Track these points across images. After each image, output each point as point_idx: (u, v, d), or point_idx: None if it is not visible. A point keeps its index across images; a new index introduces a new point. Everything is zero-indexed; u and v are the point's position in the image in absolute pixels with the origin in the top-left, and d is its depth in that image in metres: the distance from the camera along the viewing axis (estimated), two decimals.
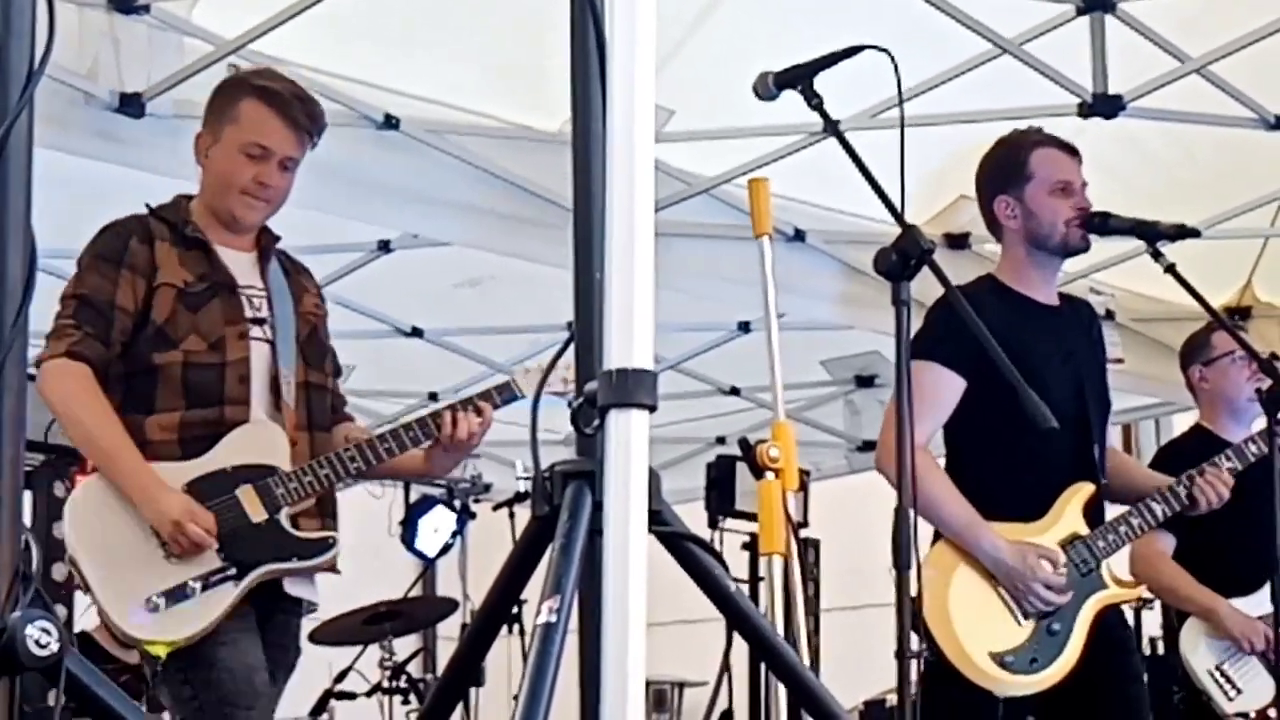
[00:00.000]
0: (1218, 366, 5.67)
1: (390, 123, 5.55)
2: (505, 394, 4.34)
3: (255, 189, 4.10)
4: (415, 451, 4.18)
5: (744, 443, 3.57)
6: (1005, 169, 4.54)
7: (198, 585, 3.84)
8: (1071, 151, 4.55)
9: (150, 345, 3.98)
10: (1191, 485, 4.56)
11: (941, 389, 4.27)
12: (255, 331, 4.07)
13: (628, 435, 1.99)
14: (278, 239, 4.28)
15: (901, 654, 3.38)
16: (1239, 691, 5.31)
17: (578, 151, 2.25)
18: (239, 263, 4.13)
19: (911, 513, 3.38)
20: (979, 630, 4.26)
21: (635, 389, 1.98)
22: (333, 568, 4.13)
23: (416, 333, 7.85)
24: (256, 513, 3.96)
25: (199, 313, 4.01)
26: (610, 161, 2.04)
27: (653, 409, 2.00)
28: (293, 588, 4.09)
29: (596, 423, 2.01)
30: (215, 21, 5.17)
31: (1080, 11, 5.42)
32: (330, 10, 4.99)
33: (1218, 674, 5.34)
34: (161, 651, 3.77)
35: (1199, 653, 5.39)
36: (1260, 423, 4.75)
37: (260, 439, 4.01)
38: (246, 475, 3.96)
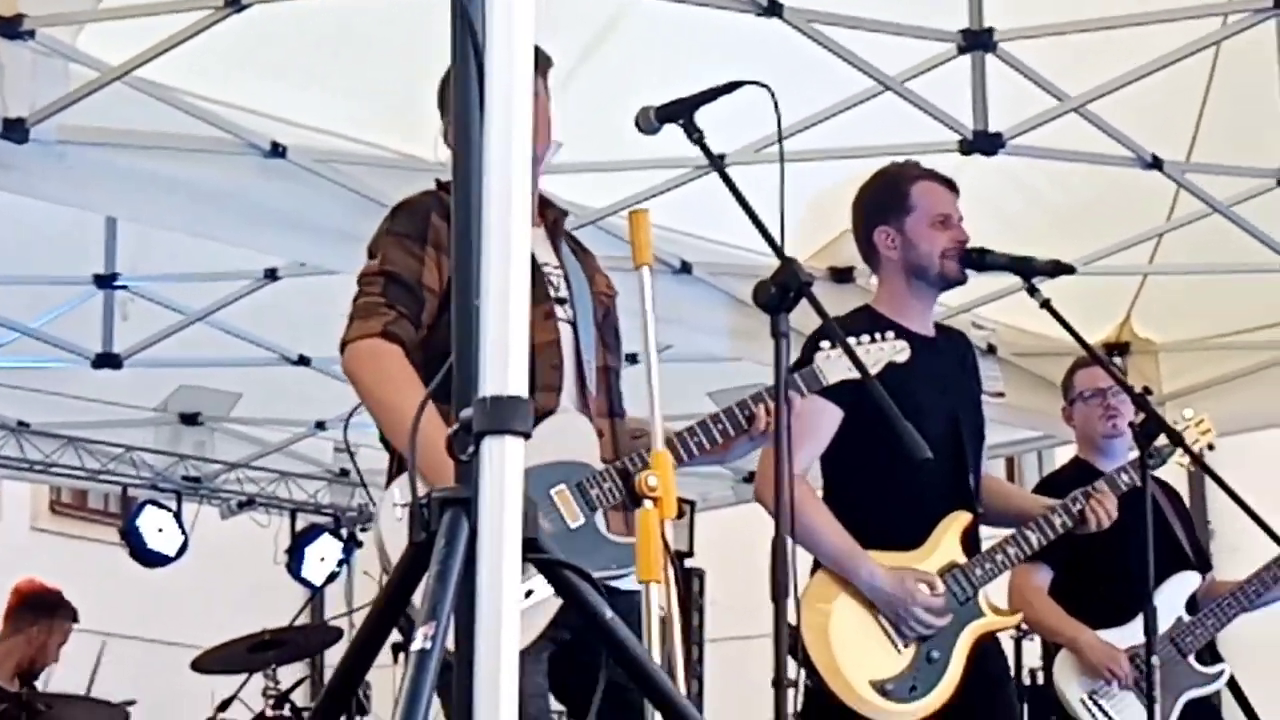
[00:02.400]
0: (1077, 406, 5.78)
1: (277, 151, 5.54)
2: (811, 382, 3.98)
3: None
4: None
5: (623, 470, 3.60)
6: (886, 200, 4.58)
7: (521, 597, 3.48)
8: (950, 186, 4.60)
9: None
10: (1084, 503, 4.61)
11: (818, 419, 4.31)
12: (559, 312, 3.76)
13: (502, 462, 2.00)
14: (565, 213, 3.97)
15: (779, 683, 3.40)
16: (1110, 719, 5.39)
17: (457, 181, 2.26)
18: (533, 238, 3.74)
19: (789, 542, 3.41)
20: (859, 658, 4.29)
21: (510, 416, 2.00)
22: None
23: (304, 361, 7.81)
24: (572, 516, 3.64)
25: None
26: (486, 190, 2.06)
27: (527, 436, 2.02)
28: (628, 584, 3.65)
29: (471, 449, 2.03)
30: (101, 48, 5.15)
31: (961, 50, 5.49)
32: (216, 39, 4.98)
33: (1090, 703, 5.41)
34: None
35: (1072, 682, 5.46)
36: (1133, 455, 4.84)
37: (570, 432, 3.70)
38: (561, 473, 3.65)
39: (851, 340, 3.98)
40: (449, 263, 3.54)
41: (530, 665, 3.54)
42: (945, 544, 4.42)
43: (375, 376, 3.66)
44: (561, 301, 3.77)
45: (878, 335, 4.06)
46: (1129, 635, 5.30)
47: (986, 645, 4.46)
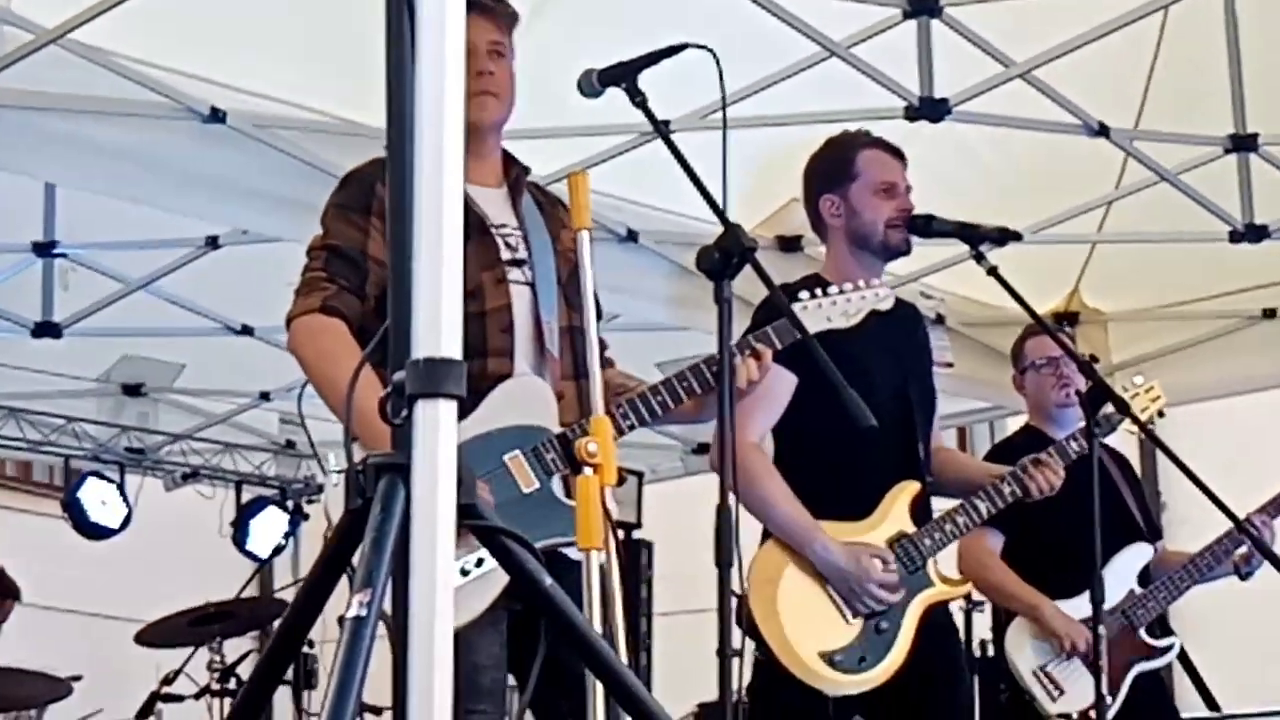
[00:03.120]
0: (1029, 374, 5.78)
1: (217, 116, 5.47)
2: (784, 335, 3.89)
3: (478, 83, 3.70)
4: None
5: (562, 437, 3.56)
6: (832, 168, 4.58)
7: (472, 565, 3.37)
8: (898, 155, 4.59)
9: None
10: (1024, 474, 4.59)
11: (774, 385, 4.27)
12: (514, 274, 3.72)
13: (436, 425, 1.97)
14: (528, 170, 3.91)
15: (723, 652, 3.37)
16: (1062, 692, 5.38)
17: (391, 143, 2.22)
18: (489, 199, 3.77)
19: (733, 509, 3.38)
20: (808, 629, 4.28)
21: (443, 378, 1.97)
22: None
23: (247, 330, 7.75)
24: (527, 482, 3.59)
25: None
26: (418, 152, 2.03)
27: (460, 399, 1.98)
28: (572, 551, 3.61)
29: (405, 413, 1.99)
30: (36, 10, 5.07)
31: (907, 15, 5.48)
32: (153, 1, 4.91)
33: (1042, 675, 5.40)
34: None
35: (1024, 653, 5.45)
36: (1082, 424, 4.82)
37: (526, 396, 3.64)
38: (514, 438, 3.60)
39: (833, 289, 3.97)
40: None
41: (486, 636, 3.53)
42: (894, 513, 4.41)
43: (315, 351, 3.66)
44: (519, 263, 3.73)
45: (860, 283, 4.03)
46: (1081, 606, 5.30)
47: (935, 615, 4.46)
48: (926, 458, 4.56)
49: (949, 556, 4.69)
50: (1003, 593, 5.55)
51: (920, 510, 4.48)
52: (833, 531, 4.33)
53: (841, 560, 4.28)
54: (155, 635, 7.72)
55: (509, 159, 3.90)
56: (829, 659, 4.26)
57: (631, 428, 3.71)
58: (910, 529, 4.43)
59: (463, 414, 3.46)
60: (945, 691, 4.52)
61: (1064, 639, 5.34)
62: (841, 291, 3.99)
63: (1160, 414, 5.15)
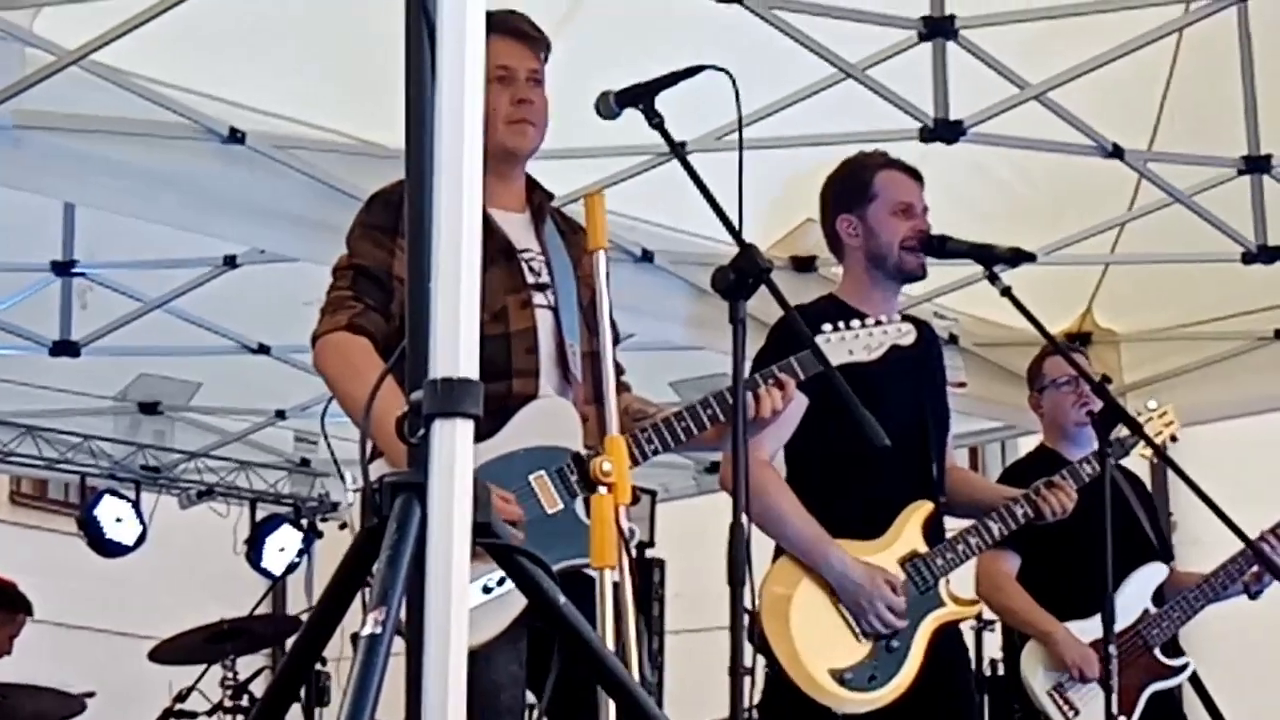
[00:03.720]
0: (1048, 393, 5.78)
1: (236, 137, 5.50)
2: (808, 366, 3.90)
3: (519, 111, 3.77)
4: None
5: (577, 456, 3.57)
6: (849, 189, 4.59)
7: (493, 583, 3.36)
8: (915, 175, 4.61)
9: None
10: (1037, 496, 4.61)
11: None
12: (538, 299, 3.75)
13: (453, 444, 1.98)
14: (551, 196, 3.95)
15: (735, 670, 3.38)
16: (1077, 713, 5.39)
17: (410, 164, 2.25)
18: (513, 225, 3.80)
19: (746, 529, 3.39)
20: (819, 646, 4.28)
21: (460, 398, 1.98)
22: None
23: (263, 349, 7.78)
24: (550, 502, 3.60)
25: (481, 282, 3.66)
26: (438, 173, 2.05)
27: (477, 419, 2.00)
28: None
29: (422, 432, 2.01)
30: (57, 32, 5.10)
31: (922, 37, 5.49)
32: (174, 23, 4.94)
33: (1057, 696, 5.41)
34: None
35: (1039, 674, 5.46)
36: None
37: (551, 417, 3.66)
38: (540, 459, 3.61)
39: (856, 323, 3.99)
40: None
41: (504, 654, 3.53)
42: (907, 533, 4.42)
43: (339, 369, 3.66)
44: (542, 288, 3.76)
45: (883, 319, 4.06)
46: (1095, 627, 5.31)
47: (946, 634, 4.46)
48: (940, 478, 4.57)
49: (961, 576, 4.70)
50: (1017, 617, 5.56)
51: (933, 530, 4.49)
52: (846, 550, 4.34)
53: (856, 575, 4.29)
54: (170, 652, 7.75)
55: (531, 184, 3.93)
56: (839, 676, 4.27)
57: (655, 453, 3.73)
58: (923, 549, 4.44)
59: (489, 433, 3.53)
60: (954, 711, 4.53)
61: (1073, 668, 5.35)
62: (864, 325, 4.01)
63: (1174, 438, 5.16)
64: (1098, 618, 5.20)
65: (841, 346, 3.98)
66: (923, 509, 4.45)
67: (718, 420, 3.78)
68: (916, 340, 4.33)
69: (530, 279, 3.75)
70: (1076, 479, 4.75)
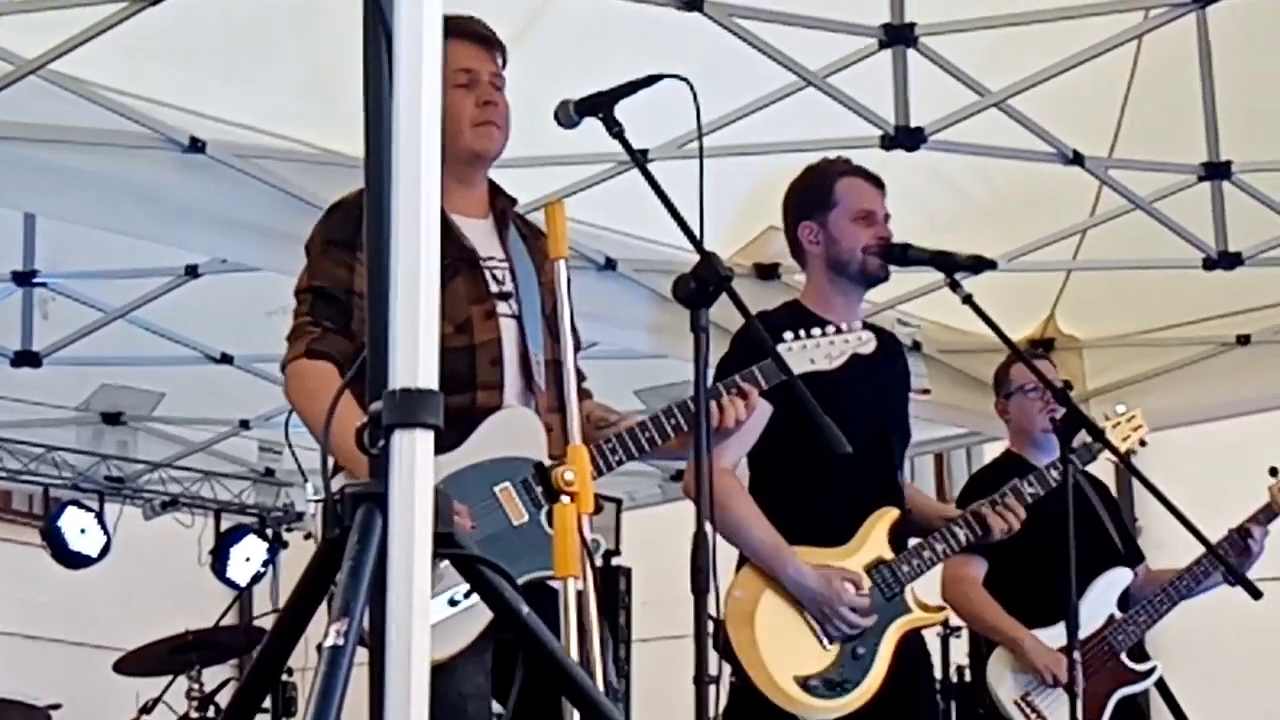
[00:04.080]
0: (1015, 399, 5.80)
1: (196, 146, 5.48)
2: (770, 375, 3.94)
3: (484, 113, 3.78)
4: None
5: (539, 465, 3.57)
6: (811, 195, 4.61)
7: (460, 596, 3.37)
8: (876, 183, 4.62)
9: None
10: (985, 514, 4.62)
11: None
12: (502, 308, 3.75)
13: (412, 455, 1.98)
14: (514, 201, 3.93)
15: (700, 679, 3.38)
16: (1043, 718, 5.40)
17: (368, 173, 2.24)
18: (477, 232, 3.79)
19: (710, 537, 3.39)
20: (784, 654, 4.29)
21: (420, 409, 1.98)
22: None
23: (226, 359, 7.76)
24: (516, 514, 3.60)
25: (442, 293, 3.64)
26: (396, 182, 2.05)
27: (437, 429, 2.00)
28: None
29: (382, 443, 2.01)
30: (16, 41, 5.08)
31: (883, 45, 5.50)
32: (134, 32, 4.92)
33: (1024, 704, 5.43)
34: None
35: (1005, 683, 5.48)
36: None
37: (515, 427, 3.66)
38: (505, 470, 3.61)
39: (817, 331, 4.00)
40: None
41: (470, 666, 3.52)
42: (873, 540, 4.43)
43: (301, 397, 3.69)
44: (505, 296, 3.76)
45: (844, 327, 4.07)
46: (1060, 634, 5.33)
47: (910, 641, 4.47)
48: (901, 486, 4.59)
49: (924, 583, 4.70)
50: (984, 623, 5.58)
51: (900, 537, 4.50)
52: (812, 557, 4.34)
53: (813, 583, 4.30)
54: (135, 664, 7.72)
55: (495, 189, 3.93)
56: (805, 684, 4.28)
57: (620, 463, 3.74)
58: (889, 555, 4.45)
59: (452, 445, 3.52)
60: (919, 713, 4.54)
61: (1045, 672, 5.37)
62: (825, 334, 4.03)
63: (1142, 442, 5.17)
64: (1061, 625, 5.24)
65: (803, 355, 4.00)
66: (889, 515, 4.46)
67: (681, 430, 3.79)
68: (878, 349, 4.35)
69: (494, 288, 3.75)
70: (1043, 484, 4.77)
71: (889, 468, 4.51)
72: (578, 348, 3.83)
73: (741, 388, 3.86)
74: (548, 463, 3.62)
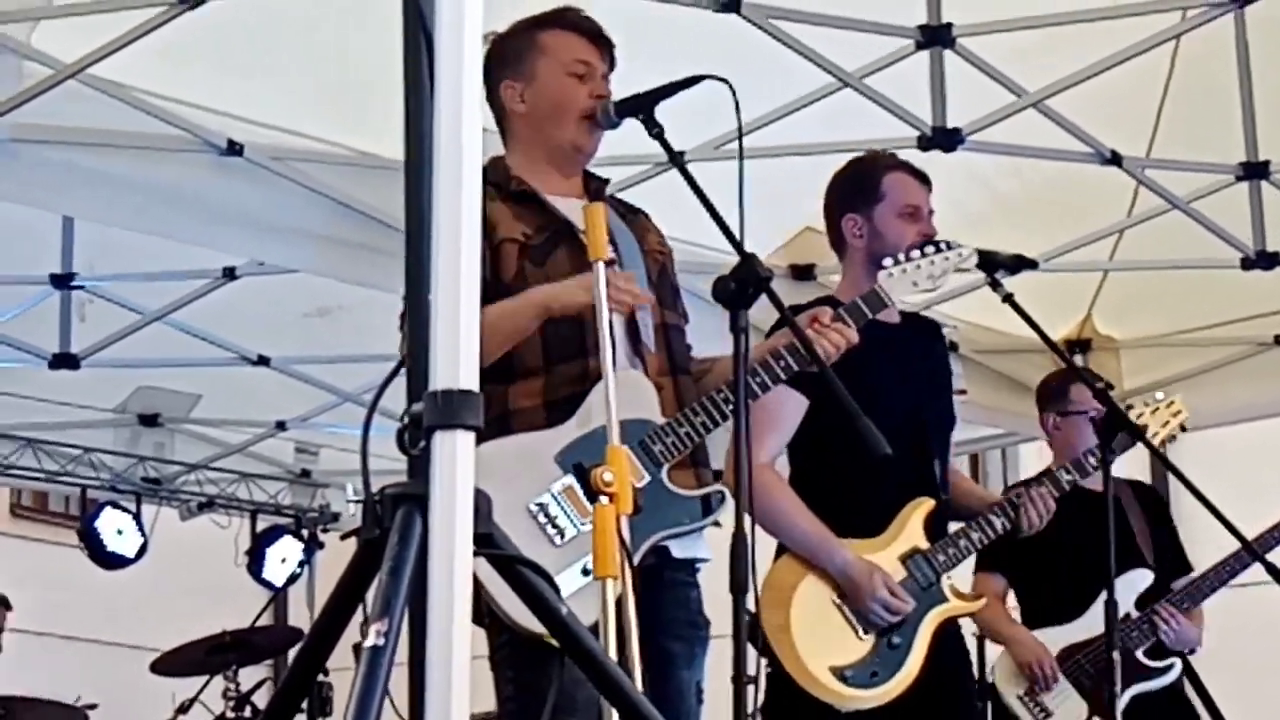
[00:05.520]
0: (1072, 420, 5.72)
1: (234, 149, 5.49)
2: (875, 304, 3.96)
3: (590, 105, 3.77)
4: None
5: (578, 467, 3.57)
6: (857, 187, 4.56)
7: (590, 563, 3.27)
8: (923, 179, 4.56)
9: None
10: (1019, 502, 4.58)
11: (785, 407, 4.29)
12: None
13: (453, 456, 1.98)
14: (606, 181, 3.93)
15: (738, 679, 3.38)
16: (1048, 714, 5.41)
17: (409, 174, 2.25)
18: (572, 210, 3.73)
19: (749, 538, 3.38)
20: (820, 645, 4.27)
21: (461, 410, 1.98)
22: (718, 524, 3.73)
23: (263, 361, 7.78)
24: (636, 476, 3.55)
25: (546, 264, 3.69)
26: (436, 182, 2.05)
27: (478, 430, 2.00)
28: (681, 550, 3.71)
29: (422, 444, 2.01)
30: (55, 45, 5.11)
31: (920, 46, 5.50)
32: (172, 36, 4.95)
33: (1028, 700, 5.45)
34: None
35: (1009, 681, 5.51)
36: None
37: (628, 390, 3.57)
38: (624, 433, 3.47)
39: (916, 253, 4.00)
40: (485, 245, 3.57)
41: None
42: (909, 529, 4.40)
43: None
44: (609, 264, 3.64)
45: (942, 245, 4.08)
46: (1071, 632, 5.35)
47: (949, 633, 4.45)
48: (944, 475, 4.54)
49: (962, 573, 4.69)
50: (984, 625, 5.61)
51: (936, 527, 4.47)
52: (848, 549, 4.34)
53: (856, 572, 4.28)
54: (171, 664, 7.75)
55: (588, 174, 3.94)
56: (841, 674, 4.25)
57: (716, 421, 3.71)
58: (924, 545, 4.41)
59: (567, 415, 3.59)
60: (957, 709, 4.52)
61: (1027, 668, 5.40)
62: (924, 254, 4.01)
63: (1183, 428, 5.10)
64: (1074, 624, 5.29)
65: (904, 279, 4.01)
66: (924, 505, 4.43)
67: (792, 371, 3.80)
68: (915, 335, 4.33)
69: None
70: (1080, 472, 4.73)
71: (925, 458, 4.48)
72: (684, 318, 3.96)
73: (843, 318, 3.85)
74: (660, 421, 3.64)
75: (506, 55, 3.83)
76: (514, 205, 3.74)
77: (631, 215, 3.95)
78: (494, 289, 3.60)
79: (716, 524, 3.71)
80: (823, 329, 3.80)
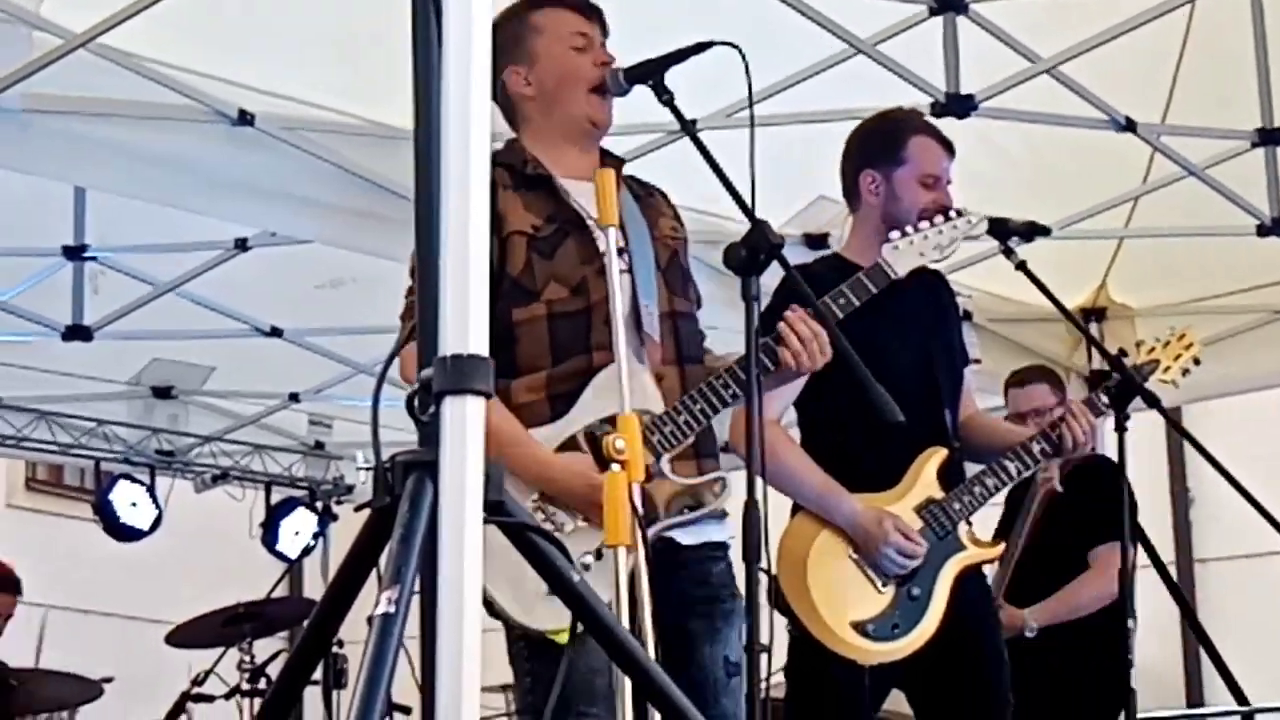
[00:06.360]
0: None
1: (245, 119, 5.47)
2: (879, 278, 3.97)
3: (604, 74, 3.75)
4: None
5: (590, 435, 3.56)
6: (881, 145, 4.51)
7: (591, 559, 3.43)
8: (948, 146, 4.51)
9: (508, 301, 3.64)
10: (1059, 426, 4.47)
11: None
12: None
13: (464, 421, 1.98)
14: (623, 161, 3.91)
15: (751, 647, 3.37)
16: None
17: (417, 141, 2.24)
18: (585, 195, 3.67)
19: (761, 507, 3.37)
20: (839, 600, 4.25)
21: (471, 375, 1.97)
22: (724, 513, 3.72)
23: (276, 332, 7.78)
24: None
25: (555, 257, 3.68)
26: (445, 150, 2.04)
27: (488, 395, 1.99)
28: (689, 538, 3.69)
29: (432, 409, 2.00)
30: (65, 15, 5.09)
31: (933, 12, 5.48)
32: (182, 4, 4.93)
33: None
34: (565, 639, 3.32)
35: None
36: None
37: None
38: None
39: (925, 224, 3.97)
40: (492, 242, 3.48)
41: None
42: (923, 480, 4.38)
43: (409, 376, 3.67)
44: (618, 253, 3.61)
45: (951, 214, 4.06)
46: None
47: (969, 578, 4.42)
48: (954, 424, 4.51)
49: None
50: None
51: (950, 476, 4.43)
52: (861, 503, 4.32)
53: (866, 522, 4.25)
54: (186, 636, 7.76)
55: (604, 153, 3.91)
56: (861, 629, 4.24)
57: (735, 397, 3.67)
58: (939, 494, 4.38)
59: (566, 408, 3.57)
60: (982, 656, 4.44)
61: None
62: (933, 225, 3.99)
63: (1196, 361, 4.97)
64: None
65: (911, 251, 4.00)
66: (936, 455, 4.40)
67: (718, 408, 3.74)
68: (918, 286, 4.30)
69: (603, 246, 3.65)
70: (1094, 410, 4.66)
71: (935, 408, 4.44)
72: (698, 303, 3.93)
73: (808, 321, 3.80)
74: (659, 410, 3.62)
75: (504, 43, 3.79)
76: (525, 193, 3.73)
77: (647, 197, 3.93)
78: (502, 281, 3.62)
79: (723, 513, 3.70)
80: (793, 328, 3.75)
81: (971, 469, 4.53)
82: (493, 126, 2.13)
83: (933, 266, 4.31)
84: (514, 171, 3.75)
